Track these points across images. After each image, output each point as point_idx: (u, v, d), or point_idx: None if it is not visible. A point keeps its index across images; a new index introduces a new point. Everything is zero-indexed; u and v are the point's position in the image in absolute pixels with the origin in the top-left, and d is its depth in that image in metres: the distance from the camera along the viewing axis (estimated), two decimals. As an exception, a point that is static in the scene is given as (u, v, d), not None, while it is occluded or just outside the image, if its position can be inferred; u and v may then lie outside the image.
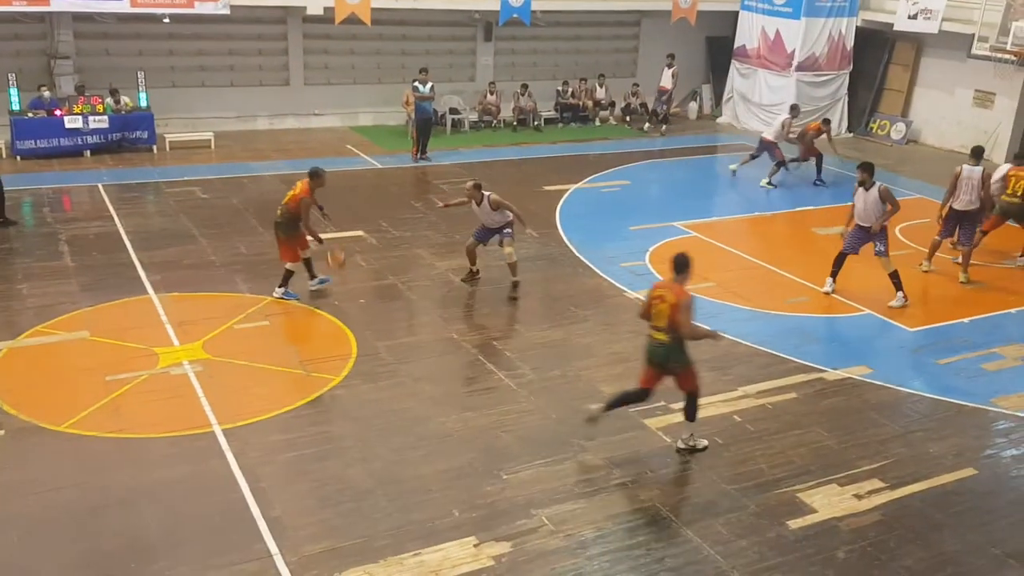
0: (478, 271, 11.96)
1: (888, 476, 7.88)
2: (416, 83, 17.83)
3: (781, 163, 17.01)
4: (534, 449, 8.10)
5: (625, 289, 11.91)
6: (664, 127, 21.37)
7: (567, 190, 16.46)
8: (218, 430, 8.15)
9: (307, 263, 11.12)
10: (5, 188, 13.38)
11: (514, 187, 16.50)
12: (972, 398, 9.39)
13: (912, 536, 7.12)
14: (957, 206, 12.56)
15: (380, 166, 17.72)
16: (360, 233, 13.61)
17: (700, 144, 20.80)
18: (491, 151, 19.30)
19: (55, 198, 14.71)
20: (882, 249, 11.50)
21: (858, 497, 7.56)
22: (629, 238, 13.92)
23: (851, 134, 22.00)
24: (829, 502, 7.48)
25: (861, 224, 11.54)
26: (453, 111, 20.80)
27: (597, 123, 22.12)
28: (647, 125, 21.49)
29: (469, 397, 9.11)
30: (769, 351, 10.27)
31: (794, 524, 7.17)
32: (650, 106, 21.80)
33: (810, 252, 13.79)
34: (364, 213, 14.53)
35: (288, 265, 10.95)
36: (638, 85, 22.42)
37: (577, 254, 13.19)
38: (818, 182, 17.34)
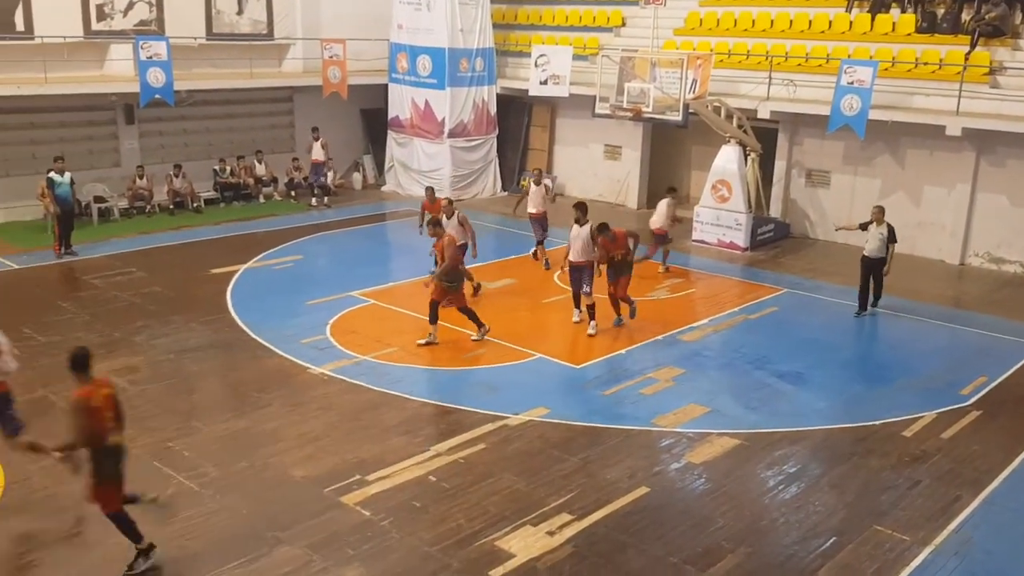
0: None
1: (574, 508, 8.38)
2: (51, 173, 16.26)
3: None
4: (225, 551, 7.56)
5: (309, 366, 11.64)
6: (327, 199, 21.44)
7: (237, 271, 15.84)
8: None
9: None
10: None
11: (178, 273, 15.60)
12: (636, 422, 10.33)
13: (602, 561, 7.60)
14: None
15: (17, 266, 15.84)
16: (-3, 344, 11.97)
17: (368, 213, 21.11)
18: (148, 238, 18.07)
19: None
20: (588, 289, 12.97)
21: (550, 534, 7.95)
22: (307, 313, 13.68)
23: (505, 192, 23.59)
24: (525, 544, 7.77)
25: (576, 261, 12.95)
26: (99, 199, 19.23)
27: (261, 200, 21.64)
28: (313, 200, 21.40)
29: (146, 510, 8.28)
30: (456, 406, 10.56)
31: (496, 573, 7.34)
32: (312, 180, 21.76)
33: (481, 306, 14.44)
34: (2, 321, 12.82)
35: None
36: (298, 159, 22.33)
37: (254, 336, 12.68)
38: None
